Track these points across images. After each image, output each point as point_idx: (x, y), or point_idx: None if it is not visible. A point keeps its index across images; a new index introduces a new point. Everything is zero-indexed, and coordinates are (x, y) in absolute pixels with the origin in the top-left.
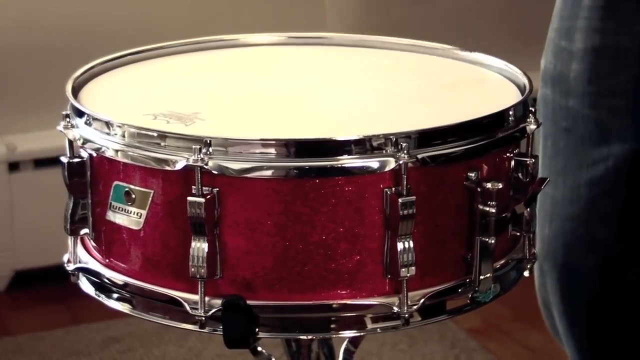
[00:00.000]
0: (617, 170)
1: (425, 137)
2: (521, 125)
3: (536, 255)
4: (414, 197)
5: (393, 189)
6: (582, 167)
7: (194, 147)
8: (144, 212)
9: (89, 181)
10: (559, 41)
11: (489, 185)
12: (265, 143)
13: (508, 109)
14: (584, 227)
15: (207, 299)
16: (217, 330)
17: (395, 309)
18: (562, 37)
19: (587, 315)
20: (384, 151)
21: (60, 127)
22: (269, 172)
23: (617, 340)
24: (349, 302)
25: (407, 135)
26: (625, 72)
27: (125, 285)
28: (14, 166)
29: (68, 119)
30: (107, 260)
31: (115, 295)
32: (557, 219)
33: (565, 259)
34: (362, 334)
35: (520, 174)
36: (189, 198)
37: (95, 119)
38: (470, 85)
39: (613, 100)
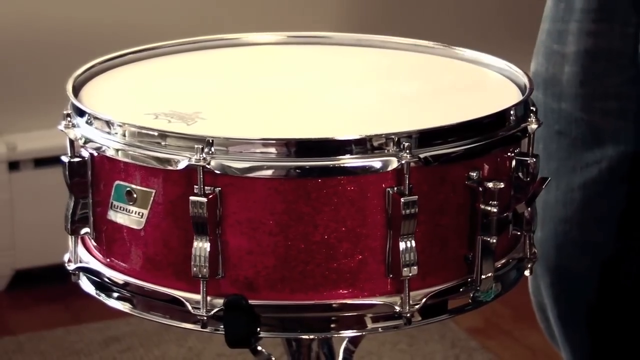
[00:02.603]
0: (610, 172)
1: (427, 137)
2: (522, 125)
3: (537, 255)
4: (416, 196)
5: (395, 188)
6: (575, 169)
7: (196, 146)
8: (145, 212)
9: (90, 181)
10: (550, 44)
11: (490, 184)
12: (266, 143)
13: (509, 109)
14: (577, 230)
15: (208, 298)
16: (218, 330)
17: (397, 308)
18: (554, 40)
19: (582, 318)
20: (385, 151)
21: (61, 127)
22: (269, 172)
23: (613, 343)
24: (350, 301)
25: (408, 135)
26: (619, 74)
27: (126, 285)
28: (14, 165)
29: (69, 119)
30: (108, 260)
31: (115, 295)
32: (550, 222)
33: (558, 262)
34: (364, 333)
35: (521, 174)
36: (191, 197)
37: (96, 118)
38: (471, 85)
39: (606, 102)
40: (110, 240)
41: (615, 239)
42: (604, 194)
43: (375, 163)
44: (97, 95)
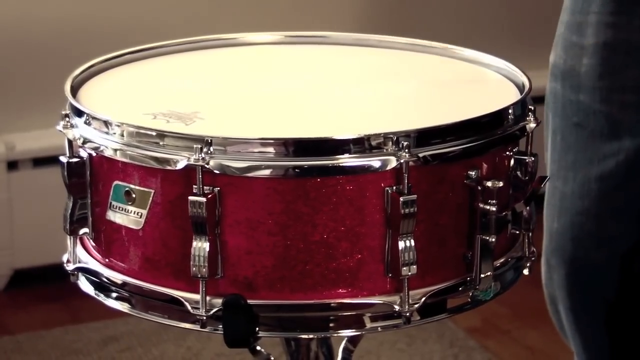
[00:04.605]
0: (627, 164)
1: (425, 136)
2: (521, 124)
3: (535, 253)
4: (415, 195)
5: (394, 187)
6: (593, 161)
7: (195, 146)
8: (144, 212)
9: (88, 181)
10: (569, 36)
11: (489, 183)
12: (265, 142)
13: (507, 108)
14: (593, 222)
15: (208, 298)
16: (217, 330)
17: (396, 307)
18: (572, 32)
19: (597, 310)
20: (384, 150)
21: (59, 127)
22: (268, 172)
23: (629, 336)
24: (349, 301)
25: (407, 134)
26: (638, 67)
27: (125, 285)
28: (12, 165)
29: (67, 119)
30: (107, 260)
31: (114, 295)
32: (566, 214)
33: (573, 254)
34: (363, 332)
35: (519, 173)
36: (190, 197)
37: (94, 118)
38: (470, 84)
39: (624, 95)
40: (109, 241)
41: (631, 232)
42: (620, 186)
43: (374, 162)
44: (96, 95)
